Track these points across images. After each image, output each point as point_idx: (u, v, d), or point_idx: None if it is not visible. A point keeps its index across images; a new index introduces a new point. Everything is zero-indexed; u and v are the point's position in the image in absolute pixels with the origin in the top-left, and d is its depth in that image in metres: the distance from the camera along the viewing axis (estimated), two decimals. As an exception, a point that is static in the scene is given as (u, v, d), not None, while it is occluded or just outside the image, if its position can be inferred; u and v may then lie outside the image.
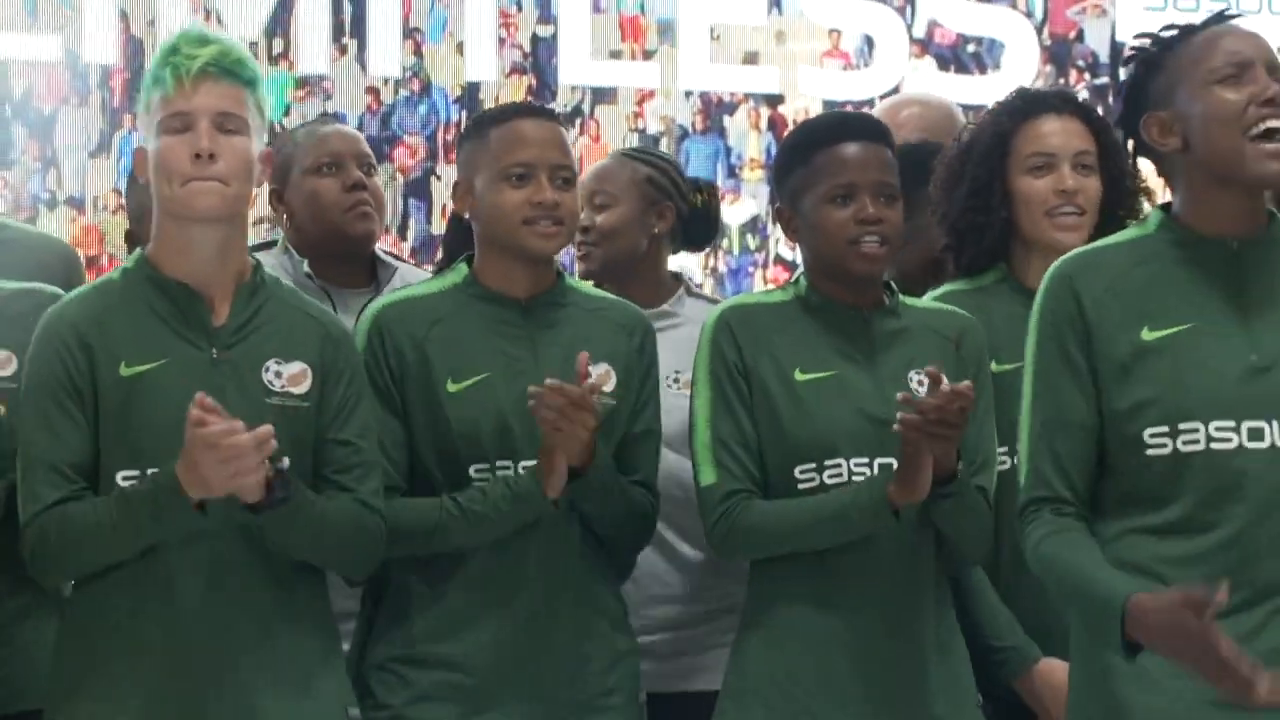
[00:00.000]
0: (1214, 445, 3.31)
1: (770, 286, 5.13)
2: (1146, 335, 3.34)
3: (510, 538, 3.75)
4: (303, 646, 3.55)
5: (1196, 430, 3.30)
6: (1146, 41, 3.39)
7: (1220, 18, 3.40)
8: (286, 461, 3.45)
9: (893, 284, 3.95)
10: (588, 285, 4.01)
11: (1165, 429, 3.30)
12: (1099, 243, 3.57)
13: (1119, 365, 3.35)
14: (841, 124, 4.03)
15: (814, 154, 3.75)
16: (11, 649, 3.70)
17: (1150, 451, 3.30)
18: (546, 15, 5.70)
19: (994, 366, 3.96)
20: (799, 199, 3.74)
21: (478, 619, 3.73)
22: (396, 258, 4.68)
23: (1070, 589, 3.34)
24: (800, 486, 3.74)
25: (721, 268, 5.78)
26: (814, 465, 3.74)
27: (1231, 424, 3.31)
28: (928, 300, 4.11)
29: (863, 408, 3.70)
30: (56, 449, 3.47)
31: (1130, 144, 3.48)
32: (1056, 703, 3.77)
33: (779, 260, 5.63)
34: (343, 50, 5.62)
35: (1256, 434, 3.32)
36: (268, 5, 5.56)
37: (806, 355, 3.81)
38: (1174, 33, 3.37)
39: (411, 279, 4.48)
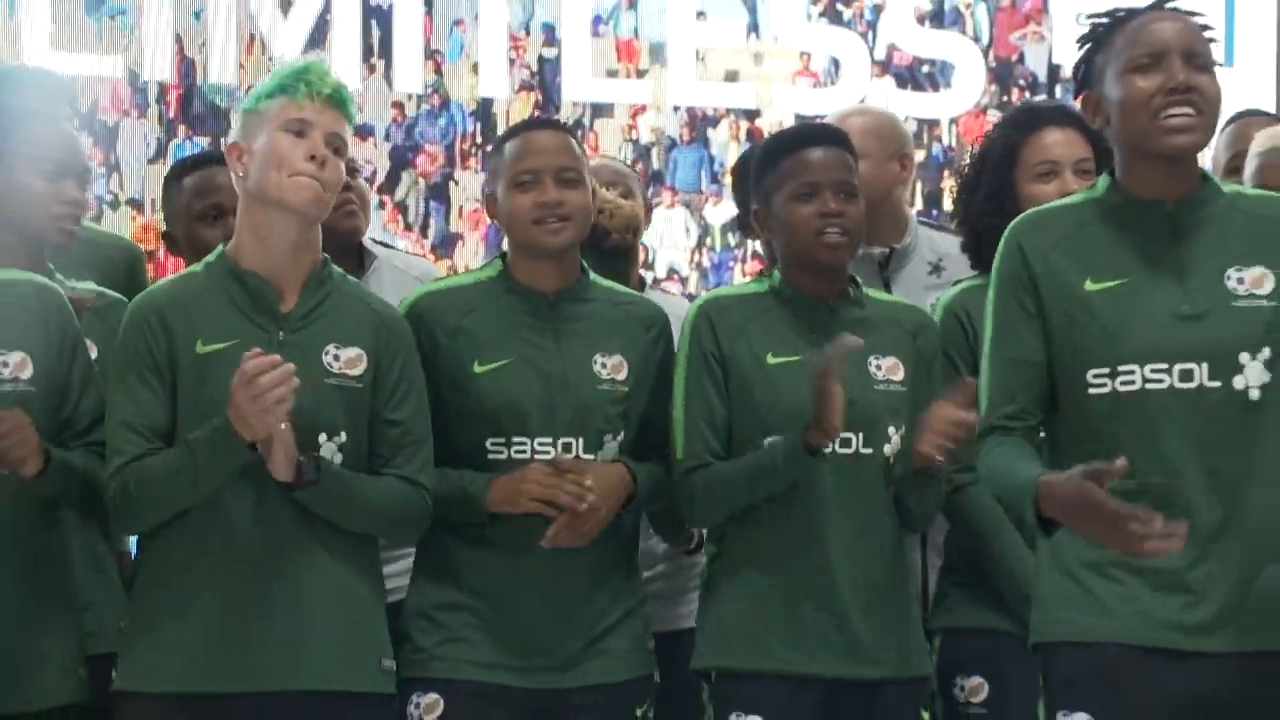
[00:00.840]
0: (1148, 386, 3.34)
1: (748, 279, 5.19)
2: (1089, 286, 3.36)
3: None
4: (349, 596, 3.58)
5: (1133, 372, 3.33)
6: (1095, 22, 3.42)
7: (1159, 4, 3.42)
8: (328, 449, 3.51)
9: (856, 279, 4.01)
10: (613, 283, 4.02)
11: (1106, 370, 3.33)
12: (1051, 204, 3.59)
13: (1064, 313, 3.36)
14: (804, 132, 4.12)
15: (782, 159, 3.83)
16: (89, 600, 3.72)
17: (1092, 391, 3.32)
18: (551, 39, 5.71)
19: None
20: (771, 199, 3.83)
21: (506, 573, 3.74)
22: (383, 245, 4.70)
23: (1000, 485, 3.36)
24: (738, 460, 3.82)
25: (706, 262, 5.77)
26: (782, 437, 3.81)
27: (1164, 366, 3.33)
28: (889, 295, 4.19)
29: (808, 393, 3.76)
30: (136, 413, 3.49)
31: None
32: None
33: (756, 255, 5.69)
34: (371, 69, 5.64)
35: (1186, 375, 3.34)
36: (305, 29, 5.57)
37: (778, 341, 3.84)
38: (1115, 17, 3.38)
39: (397, 264, 4.52)
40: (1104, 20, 3.44)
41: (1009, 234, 3.47)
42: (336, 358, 3.57)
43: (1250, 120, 4.77)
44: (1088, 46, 3.44)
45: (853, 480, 3.76)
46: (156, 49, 5.51)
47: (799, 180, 3.80)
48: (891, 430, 3.81)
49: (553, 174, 3.78)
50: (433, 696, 3.72)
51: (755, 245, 5.68)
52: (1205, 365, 3.35)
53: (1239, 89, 5.94)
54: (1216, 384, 3.35)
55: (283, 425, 3.46)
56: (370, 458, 3.62)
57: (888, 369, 3.82)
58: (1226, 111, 5.46)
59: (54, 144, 3.85)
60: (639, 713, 3.86)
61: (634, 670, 3.82)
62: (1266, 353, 3.36)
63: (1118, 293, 3.36)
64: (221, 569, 3.51)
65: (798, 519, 3.77)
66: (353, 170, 4.40)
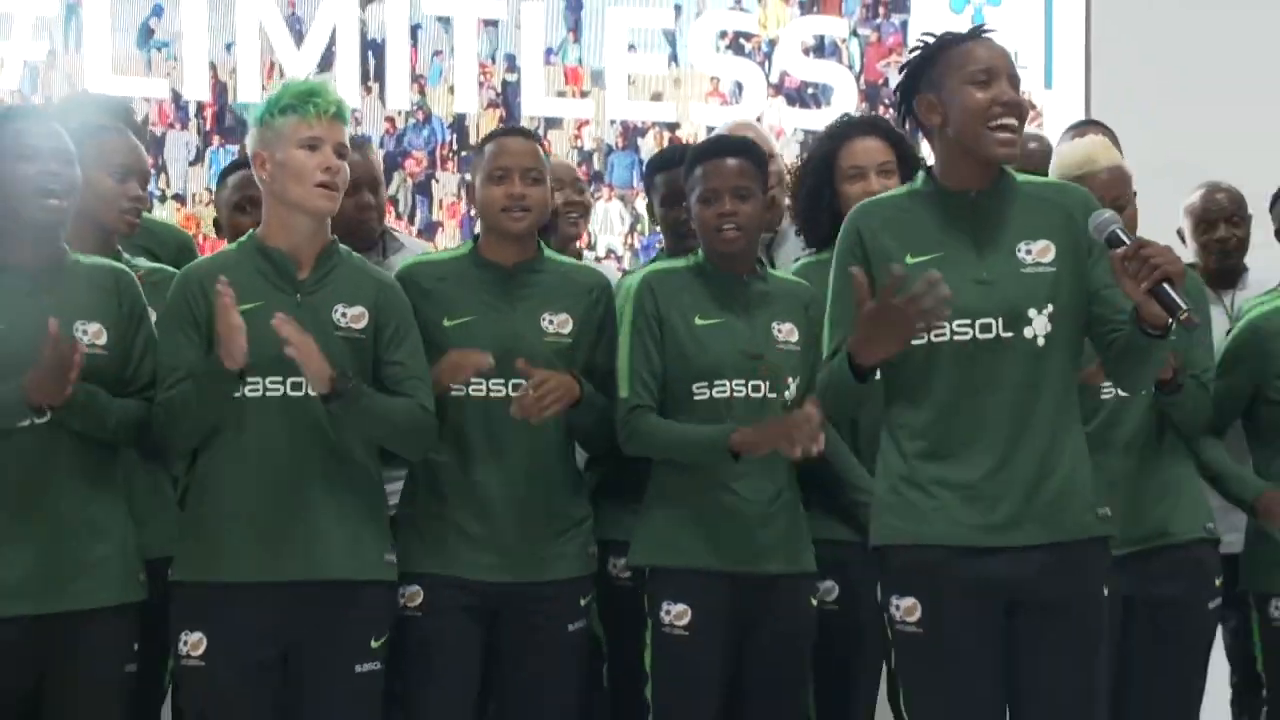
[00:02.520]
0: (956, 337, 3.36)
1: (660, 253, 5.24)
2: (909, 260, 3.35)
3: (503, 430, 3.80)
4: (357, 505, 3.59)
5: (944, 327, 3.32)
6: (928, 39, 3.42)
7: (978, 32, 3.43)
8: (349, 378, 3.49)
9: (763, 259, 4.05)
10: (564, 256, 4.07)
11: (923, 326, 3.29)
12: (881, 195, 3.58)
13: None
14: (713, 145, 4.12)
15: (695, 167, 3.89)
16: (148, 513, 3.71)
17: (913, 342, 3.29)
18: (513, 66, 5.69)
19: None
20: (689, 199, 3.89)
21: (481, 490, 3.77)
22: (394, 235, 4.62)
23: (824, 381, 3.43)
24: (695, 398, 3.82)
25: (636, 244, 5.78)
26: (706, 384, 3.83)
27: (968, 322, 3.33)
28: (786, 273, 4.12)
29: (741, 346, 3.81)
30: (177, 358, 3.51)
31: (905, 116, 3.49)
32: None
33: (662, 242, 5.70)
34: (368, 90, 5.62)
35: (985, 328, 3.35)
36: (315, 58, 5.53)
37: (703, 307, 3.87)
38: (946, 38, 3.39)
39: (415, 248, 4.49)
40: (934, 39, 3.42)
41: (849, 219, 3.47)
42: (344, 315, 3.60)
43: (1086, 128, 4.70)
44: (918, 60, 3.42)
45: (759, 419, 3.81)
46: (195, 74, 5.48)
47: (705, 185, 3.88)
48: (790, 381, 3.88)
49: (520, 172, 3.85)
50: (414, 588, 3.73)
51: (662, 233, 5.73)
52: (1000, 320, 3.34)
53: (1056, 107, 6.06)
54: (1010, 334, 3.34)
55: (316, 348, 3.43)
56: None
57: (786, 332, 3.90)
58: (1049, 127, 5.60)
59: (121, 151, 3.88)
60: (583, 602, 3.88)
61: (582, 569, 3.88)
62: (1050, 308, 3.35)
63: (931, 265, 3.32)
64: (255, 483, 3.54)
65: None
66: (374, 183, 4.37)
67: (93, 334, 3.48)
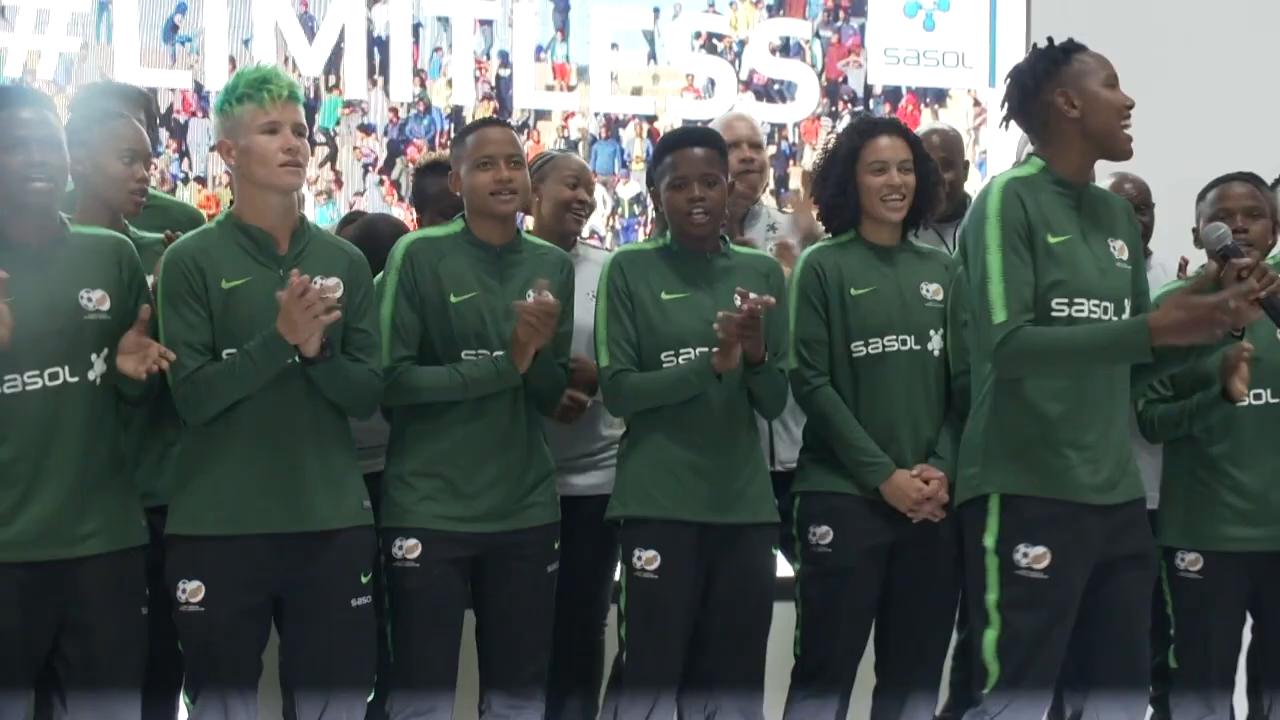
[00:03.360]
0: (1092, 315, 3.47)
1: (646, 237, 5.24)
2: (1050, 239, 3.46)
3: (486, 398, 3.80)
4: (337, 461, 3.62)
5: (1084, 304, 3.46)
6: (1047, 50, 3.57)
7: (1080, 45, 3.57)
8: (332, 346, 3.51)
9: (725, 237, 4.07)
10: (535, 238, 4.07)
11: (1067, 301, 3.45)
12: (1020, 174, 3.57)
13: (1041, 253, 3.46)
14: (682, 135, 4.16)
15: (666, 156, 3.89)
16: (158, 469, 3.77)
17: (1053, 312, 3.44)
18: (506, 62, 5.66)
19: (852, 292, 4.02)
20: (660, 185, 3.89)
21: (463, 447, 3.81)
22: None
23: (1097, 336, 3.45)
24: (664, 366, 3.88)
25: (618, 225, 5.76)
26: (673, 352, 3.89)
27: (1097, 301, 3.47)
28: (750, 250, 4.18)
29: (704, 317, 3.83)
30: (191, 334, 3.50)
31: (1007, 103, 3.63)
32: (904, 501, 3.95)
33: (653, 220, 5.72)
34: (374, 83, 5.56)
35: (1105, 310, 3.48)
36: (325, 53, 5.50)
37: (670, 282, 3.93)
38: (1074, 43, 3.56)
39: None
40: (1070, 44, 3.56)
41: (1006, 191, 3.48)
42: (323, 286, 3.53)
43: None
44: (1049, 61, 3.53)
45: (724, 382, 3.83)
46: (215, 67, 5.43)
47: (675, 173, 3.88)
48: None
49: (504, 158, 3.87)
50: (412, 541, 3.77)
51: (653, 213, 5.74)
52: (1112, 305, 3.50)
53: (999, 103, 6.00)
54: (1118, 318, 3.50)
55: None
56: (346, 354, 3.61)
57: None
58: (993, 121, 5.60)
59: (129, 137, 3.85)
60: (556, 546, 3.90)
61: (551, 518, 3.92)
62: (1129, 301, 3.56)
63: (1067, 245, 3.48)
64: (242, 445, 3.54)
65: (681, 407, 3.84)
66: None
67: (96, 300, 3.44)
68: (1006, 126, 3.72)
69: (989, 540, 3.48)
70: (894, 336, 4.00)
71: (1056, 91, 3.49)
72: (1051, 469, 3.45)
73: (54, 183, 3.39)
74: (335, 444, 3.63)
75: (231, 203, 4.17)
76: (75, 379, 3.40)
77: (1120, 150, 3.50)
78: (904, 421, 4.00)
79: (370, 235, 4.29)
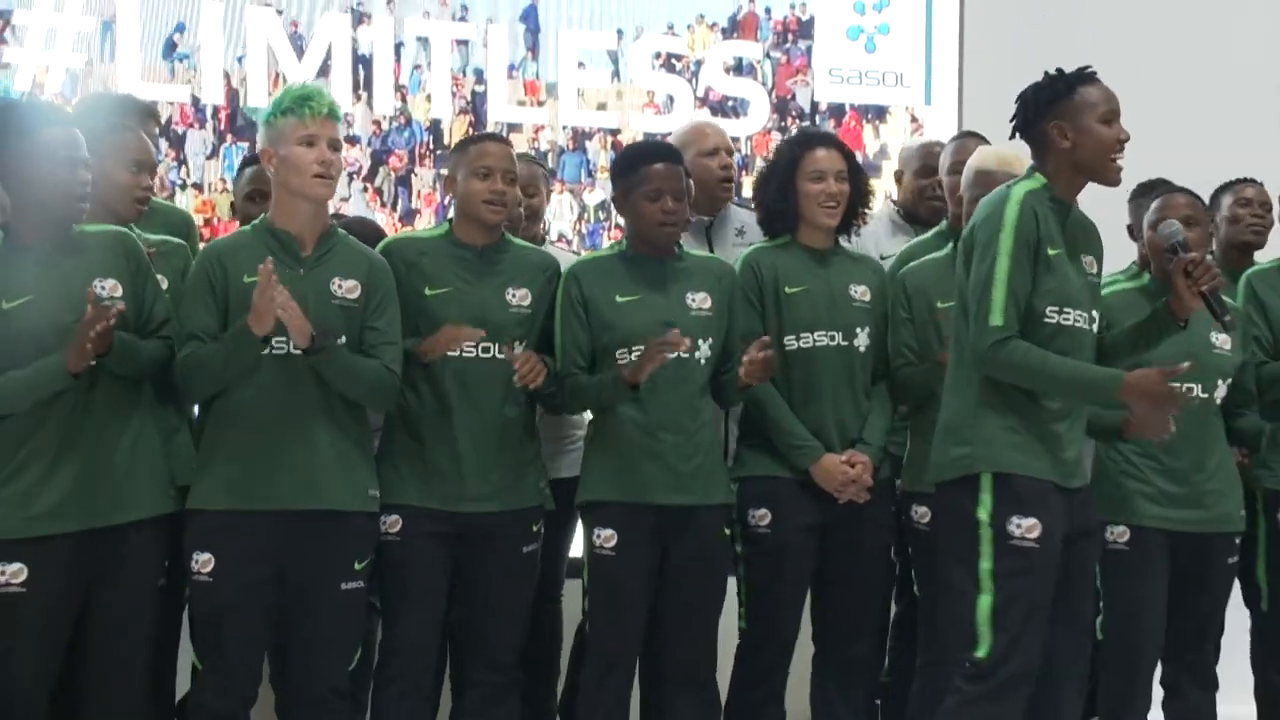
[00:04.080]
0: (1076, 324, 3.52)
1: (609, 243, 5.25)
2: (1051, 252, 3.49)
3: (480, 390, 3.81)
4: (347, 446, 3.64)
5: (1070, 313, 3.50)
6: (1056, 79, 3.57)
7: (1091, 75, 3.57)
8: (341, 338, 3.53)
9: (680, 244, 4.06)
10: (524, 241, 4.07)
11: (1058, 309, 3.50)
12: (1024, 184, 3.55)
13: (1041, 264, 3.49)
14: (656, 149, 4.16)
15: (640, 167, 3.88)
16: (169, 449, 3.72)
17: (1046, 319, 3.49)
18: (480, 79, 5.64)
19: (786, 290, 4.06)
20: (629, 194, 3.88)
21: (454, 434, 3.79)
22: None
23: (1074, 372, 3.48)
24: (619, 362, 3.87)
25: (584, 230, 5.74)
26: (627, 349, 3.88)
27: (1082, 312, 3.53)
28: (703, 253, 4.24)
29: (656, 317, 3.86)
30: (197, 321, 3.54)
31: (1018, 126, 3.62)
32: (831, 482, 3.98)
33: (617, 226, 5.72)
34: (359, 97, 5.54)
35: (1084, 320, 3.54)
36: (314, 69, 5.45)
37: (624, 286, 3.93)
38: (1082, 74, 3.57)
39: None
40: (1072, 75, 3.56)
41: (1024, 204, 3.47)
42: (340, 286, 3.62)
43: (969, 138, 4.68)
44: (1054, 88, 3.54)
45: (680, 374, 3.88)
46: (211, 82, 5.41)
47: (650, 185, 3.87)
48: (702, 342, 3.90)
49: (501, 172, 3.87)
50: (394, 516, 3.76)
51: (616, 219, 5.74)
52: (1087, 314, 3.59)
53: (934, 119, 6.06)
54: (1091, 328, 3.60)
55: (293, 311, 3.41)
56: (361, 349, 3.62)
57: (699, 300, 3.94)
58: (929, 136, 5.61)
59: (137, 148, 3.85)
60: (535, 529, 3.92)
61: (534, 500, 3.92)
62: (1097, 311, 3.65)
63: (1062, 259, 3.50)
64: (259, 426, 3.55)
65: (642, 403, 3.86)
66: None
67: (110, 288, 3.47)
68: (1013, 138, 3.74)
69: (982, 514, 3.48)
70: (823, 332, 4.05)
71: (1053, 123, 3.51)
72: (1038, 452, 3.49)
73: (89, 201, 3.48)
74: (347, 430, 3.63)
75: (233, 206, 4.19)
76: (95, 362, 3.40)
77: (1108, 180, 3.54)
78: (831, 410, 4.04)
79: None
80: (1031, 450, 3.49)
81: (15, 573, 3.37)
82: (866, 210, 4.22)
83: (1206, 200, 4.63)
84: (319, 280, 3.58)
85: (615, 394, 3.84)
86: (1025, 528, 3.46)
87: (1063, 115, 3.50)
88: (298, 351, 3.49)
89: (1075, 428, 3.58)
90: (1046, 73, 3.62)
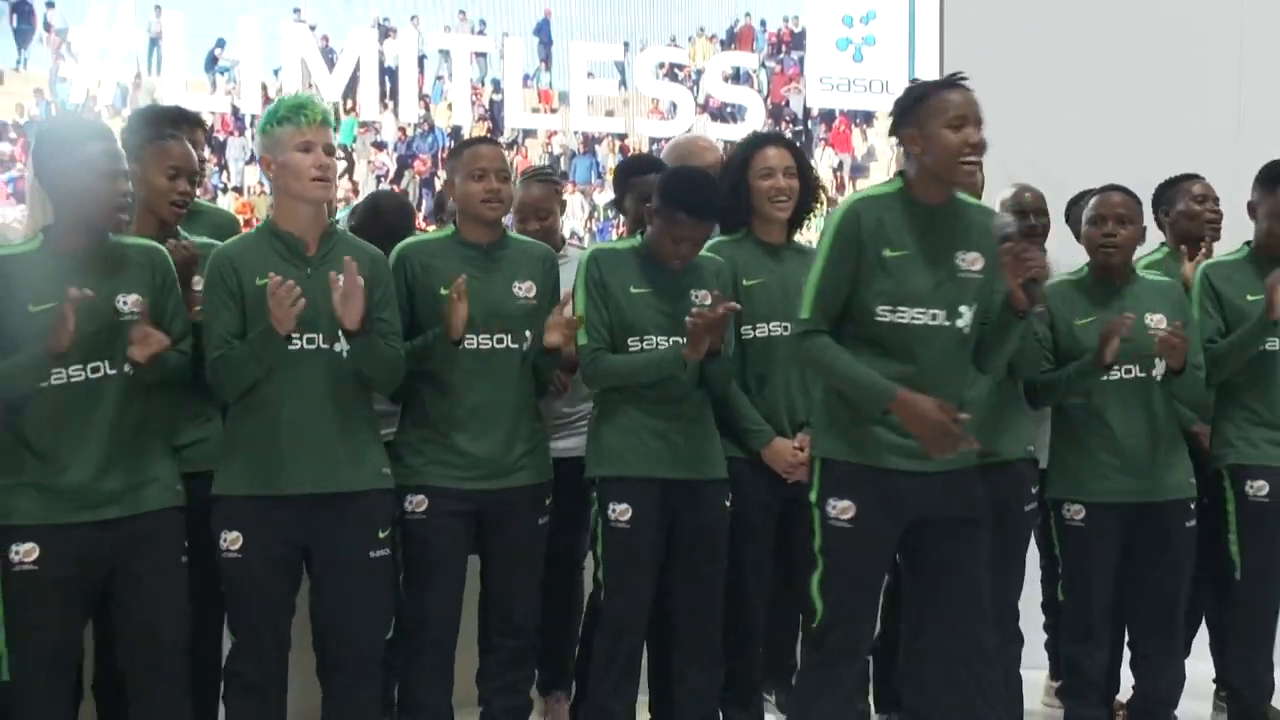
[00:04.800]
0: (914, 321, 3.38)
1: (621, 237, 5.24)
2: (888, 253, 3.37)
3: (493, 381, 3.80)
4: (360, 431, 3.60)
5: (906, 312, 3.36)
6: (917, 87, 3.45)
7: (952, 81, 3.42)
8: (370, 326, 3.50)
9: None
10: (522, 236, 4.05)
11: (890, 308, 3.36)
12: (872, 192, 3.48)
13: (872, 265, 3.36)
14: (691, 203, 3.87)
15: (676, 213, 3.85)
16: (197, 436, 3.72)
17: (878, 317, 3.37)
18: (498, 89, 5.66)
19: (744, 282, 3.99)
20: (649, 209, 3.88)
21: (466, 417, 3.79)
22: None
23: (853, 375, 3.36)
24: (630, 350, 3.85)
25: (594, 228, 5.76)
26: (638, 338, 3.85)
27: (923, 310, 3.37)
28: (704, 252, 4.05)
29: (664, 311, 3.85)
30: (222, 324, 3.48)
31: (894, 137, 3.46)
32: (780, 463, 3.94)
33: (626, 225, 5.70)
34: (385, 106, 5.57)
35: (934, 316, 3.38)
36: (344, 80, 5.49)
37: (639, 279, 3.88)
38: (935, 83, 3.44)
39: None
40: (925, 85, 3.46)
41: (853, 204, 3.40)
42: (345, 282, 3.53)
43: None
44: (910, 99, 3.40)
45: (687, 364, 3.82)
46: (250, 92, 5.45)
47: (678, 230, 3.83)
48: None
49: (494, 172, 3.83)
50: (420, 497, 3.76)
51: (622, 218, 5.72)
52: (943, 311, 3.39)
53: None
54: (948, 323, 3.39)
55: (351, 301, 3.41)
56: None
57: (702, 297, 3.90)
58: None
59: (177, 155, 3.81)
60: (547, 503, 3.90)
61: (543, 476, 3.91)
62: (974, 306, 3.41)
63: (903, 260, 3.37)
64: (279, 417, 3.51)
65: (649, 386, 3.85)
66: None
67: (132, 303, 3.42)
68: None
69: (814, 496, 3.45)
70: (778, 323, 4.02)
71: (906, 130, 3.40)
72: (860, 439, 3.39)
73: (129, 211, 3.48)
74: (358, 418, 3.61)
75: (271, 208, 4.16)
76: (114, 371, 3.40)
77: (958, 184, 3.39)
78: (783, 396, 4.03)
79: (374, 209, 4.32)
80: (855, 439, 3.40)
81: (28, 551, 3.35)
82: (817, 205, 4.20)
83: (1152, 196, 4.72)
84: (325, 278, 3.53)
85: (671, 368, 3.80)
86: (840, 509, 3.40)
87: (915, 122, 3.37)
88: (325, 347, 3.49)
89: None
90: (913, 80, 3.58)
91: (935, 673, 3.51)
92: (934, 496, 3.42)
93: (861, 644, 3.50)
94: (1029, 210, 4.72)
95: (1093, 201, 4.23)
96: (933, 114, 3.34)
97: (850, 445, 3.40)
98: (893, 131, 3.49)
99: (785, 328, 3.96)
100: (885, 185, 3.51)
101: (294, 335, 3.45)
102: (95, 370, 3.37)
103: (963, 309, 3.41)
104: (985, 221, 3.46)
